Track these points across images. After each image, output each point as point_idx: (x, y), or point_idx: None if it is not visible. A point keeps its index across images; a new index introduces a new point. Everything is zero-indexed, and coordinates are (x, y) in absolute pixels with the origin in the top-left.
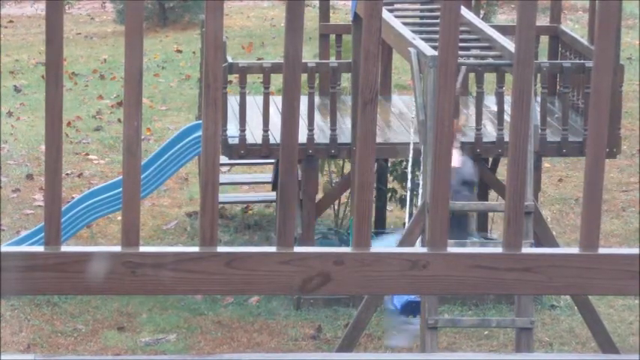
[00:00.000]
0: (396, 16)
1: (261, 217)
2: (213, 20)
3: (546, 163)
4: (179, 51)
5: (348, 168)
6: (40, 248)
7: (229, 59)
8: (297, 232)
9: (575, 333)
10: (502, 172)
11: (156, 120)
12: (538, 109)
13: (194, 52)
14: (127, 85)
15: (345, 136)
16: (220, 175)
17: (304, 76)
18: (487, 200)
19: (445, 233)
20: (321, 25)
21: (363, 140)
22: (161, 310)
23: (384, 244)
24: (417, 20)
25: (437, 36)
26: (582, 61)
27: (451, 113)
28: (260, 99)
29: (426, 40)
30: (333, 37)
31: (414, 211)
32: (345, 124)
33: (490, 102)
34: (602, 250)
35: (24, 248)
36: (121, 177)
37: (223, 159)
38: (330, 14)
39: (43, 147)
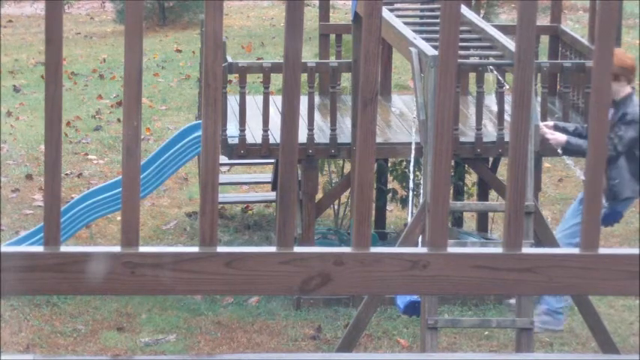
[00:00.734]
0: (397, 16)
1: (261, 217)
2: (213, 20)
3: (546, 163)
4: (179, 51)
5: (348, 168)
6: (40, 248)
7: (229, 59)
8: (297, 232)
9: (575, 333)
10: (502, 172)
11: (155, 120)
12: (538, 108)
13: (194, 52)
14: (127, 84)
15: (345, 136)
16: (220, 175)
17: (304, 76)
18: (487, 200)
19: (445, 233)
20: (321, 25)
21: (363, 140)
22: (161, 310)
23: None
24: (418, 20)
25: (437, 36)
26: (582, 61)
27: (451, 113)
28: (260, 99)
29: (427, 39)
30: (333, 37)
31: (415, 210)
32: (345, 124)
33: (490, 102)
34: (602, 251)
35: (24, 248)
36: (120, 177)
37: (223, 159)
38: (330, 14)
39: (42, 147)
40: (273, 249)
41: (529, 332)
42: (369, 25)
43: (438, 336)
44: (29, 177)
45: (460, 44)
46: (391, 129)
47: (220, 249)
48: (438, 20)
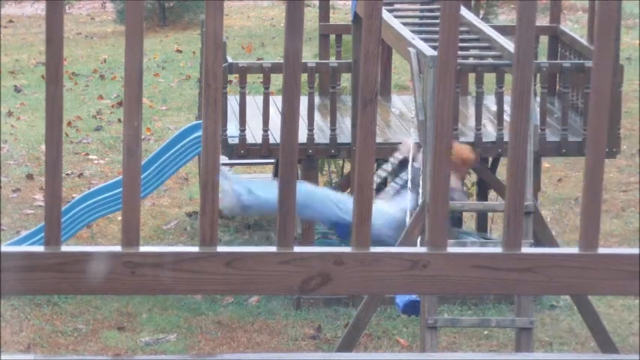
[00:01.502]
0: (396, 16)
1: (261, 217)
2: (213, 20)
3: (546, 163)
4: (179, 51)
5: (348, 168)
6: (40, 248)
7: (229, 59)
8: (297, 232)
9: (575, 333)
10: (502, 172)
11: (156, 120)
12: (538, 109)
13: (194, 52)
14: (127, 85)
15: (345, 136)
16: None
17: (304, 76)
18: (487, 200)
19: (445, 233)
20: (321, 25)
21: (363, 140)
22: (161, 310)
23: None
24: (417, 20)
25: (437, 36)
26: (582, 61)
27: (451, 113)
28: (260, 99)
29: (426, 40)
30: (333, 37)
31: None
32: (345, 124)
33: (490, 102)
34: (602, 250)
35: (24, 248)
36: (120, 177)
37: (223, 159)
38: (330, 14)
39: (43, 147)
40: (273, 249)
41: (529, 332)
42: (369, 26)
43: (437, 335)
44: (30, 177)
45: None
46: (391, 129)
47: (220, 249)
48: (437, 21)
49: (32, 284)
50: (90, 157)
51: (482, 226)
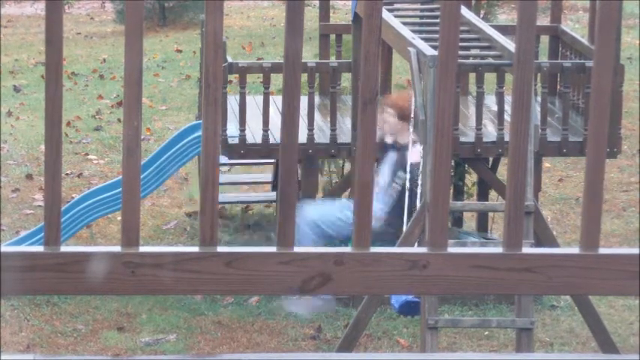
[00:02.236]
0: (396, 16)
1: (261, 217)
2: (213, 20)
3: (546, 163)
4: (179, 51)
5: (348, 168)
6: (40, 248)
7: (229, 59)
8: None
9: (576, 333)
10: (502, 172)
11: (156, 120)
12: (538, 108)
13: (194, 52)
14: (127, 85)
15: (345, 136)
16: (220, 175)
17: (304, 76)
18: (487, 200)
19: (445, 233)
20: (321, 25)
21: (363, 140)
22: (161, 310)
23: None
24: (417, 20)
25: (437, 36)
26: (583, 61)
27: (451, 113)
28: (260, 99)
29: (426, 39)
30: (333, 37)
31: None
32: (345, 124)
33: (490, 102)
34: (602, 250)
35: (24, 248)
36: (120, 177)
37: (223, 159)
38: (330, 14)
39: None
40: (273, 249)
41: (529, 332)
42: (369, 26)
43: (438, 336)
44: (29, 177)
45: (459, 44)
46: None
47: (220, 249)
48: (437, 20)
49: (32, 284)
50: (89, 157)
51: (482, 226)
